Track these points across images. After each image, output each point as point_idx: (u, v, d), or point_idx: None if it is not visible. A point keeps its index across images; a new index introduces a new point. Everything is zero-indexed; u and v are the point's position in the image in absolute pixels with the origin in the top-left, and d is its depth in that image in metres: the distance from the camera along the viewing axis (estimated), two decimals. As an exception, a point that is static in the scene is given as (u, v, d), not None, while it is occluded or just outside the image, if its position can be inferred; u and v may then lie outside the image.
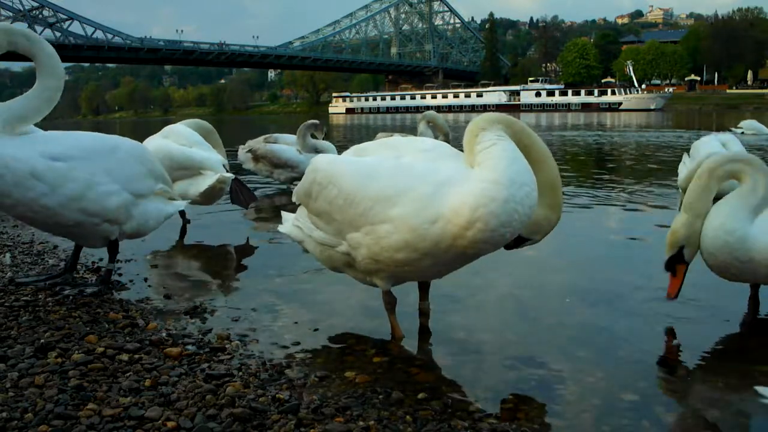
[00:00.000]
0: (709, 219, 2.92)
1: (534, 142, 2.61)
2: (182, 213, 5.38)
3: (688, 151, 6.63)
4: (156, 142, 5.02)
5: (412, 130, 7.46)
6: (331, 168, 2.68)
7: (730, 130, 17.00)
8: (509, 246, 2.75)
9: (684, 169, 6.57)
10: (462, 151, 2.71)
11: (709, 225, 2.90)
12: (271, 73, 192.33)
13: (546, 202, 2.65)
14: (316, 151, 7.52)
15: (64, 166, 3.07)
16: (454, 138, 7.25)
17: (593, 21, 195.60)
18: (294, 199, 3.01)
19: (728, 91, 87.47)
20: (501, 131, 2.50)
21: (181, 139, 5.05)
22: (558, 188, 2.68)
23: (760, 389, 1.74)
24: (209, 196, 4.98)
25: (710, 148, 6.16)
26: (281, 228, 3.19)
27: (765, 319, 3.13)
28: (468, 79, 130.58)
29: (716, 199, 2.99)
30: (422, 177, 2.46)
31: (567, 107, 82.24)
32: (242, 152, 7.85)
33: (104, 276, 3.54)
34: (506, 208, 2.34)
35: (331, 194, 2.63)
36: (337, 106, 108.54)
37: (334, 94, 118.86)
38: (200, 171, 4.90)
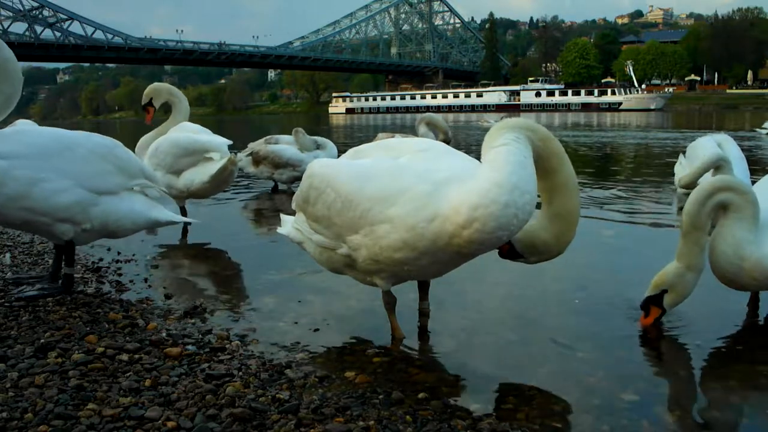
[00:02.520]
0: (719, 247, 2.85)
1: (563, 167, 2.49)
2: (183, 212, 5.39)
3: (684, 151, 6.66)
4: (164, 136, 5.32)
5: (412, 130, 7.47)
6: (327, 171, 2.67)
7: (755, 131, 17.00)
8: (502, 255, 2.73)
9: (680, 169, 6.59)
10: (460, 150, 2.72)
11: (722, 255, 2.83)
12: (271, 73, 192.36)
13: (554, 231, 2.56)
14: (317, 145, 7.69)
15: (5, 164, 2.98)
16: (453, 138, 7.23)
17: (593, 21, 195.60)
18: (293, 206, 3.01)
19: (728, 91, 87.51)
20: (524, 136, 2.40)
21: (189, 131, 5.32)
22: (572, 223, 2.55)
23: None
24: (218, 180, 5.01)
25: (707, 150, 6.19)
26: (280, 230, 3.19)
27: (765, 320, 3.13)
28: (468, 79, 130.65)
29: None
30: (420, 176, 2.45)
31: (567, 107, 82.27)
32: (242, 156, 7.86)
33: (64, 281, 3.36)
34: (506, 212, 2.29)
35: (329, 198, 2.62)
36: (337, 106, 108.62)
37: (334, 94, 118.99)
38: (205, 155, 5.06)
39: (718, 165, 5.23)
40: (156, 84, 5.82)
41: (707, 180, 2.93)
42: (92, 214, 3.23)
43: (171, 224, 3.71)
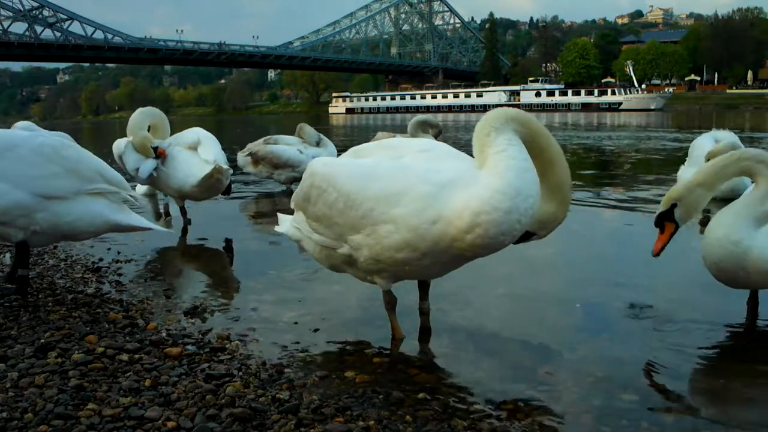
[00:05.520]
0: (712, 229, 2.88)
1: (549, 144, 2.57)
2: (183, 213, 5.39)
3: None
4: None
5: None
6: (329, 171, 2.66)
7: None
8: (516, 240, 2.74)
9: (684, 171, 6.63)
10: (461, 150, 2.71)
11: (713, 235, 2.86)
12: (271, 73, 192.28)
13: (557, 199, 2.62)
14: (318, 141, 7.67)
15: None
16: (452, 139, 7.26)
17: (593, 21, 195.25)
18: (292, 205, 3.00)
19: (728, 91, 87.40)
20: (513, 133, 2.44)
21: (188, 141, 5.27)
22: (568, 188, 2.64)
23: None
24: (206, 185, 4.99)
25: (704, 150, 6.27)
26: (278, 228, 3.18)
27: (765, 320, 3.13)
28: (468, 79, 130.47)
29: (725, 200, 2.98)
30: (423, 177, 2.45)
31: (567, 107, 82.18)
32: (241, 156, 7.87)
33: (19, 284, 3.28)
34: (509, 218, 2.32)
35: (331, 198, 2.61)
36: (337, 106, 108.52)
37: (334, 94, 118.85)
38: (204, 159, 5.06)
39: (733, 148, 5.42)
40: (134, 122, 5.23)
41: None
42: (38, 218, 3.08)
43: (136, 230, 3.45)
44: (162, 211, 6.19)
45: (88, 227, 3.25)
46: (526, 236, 2.71)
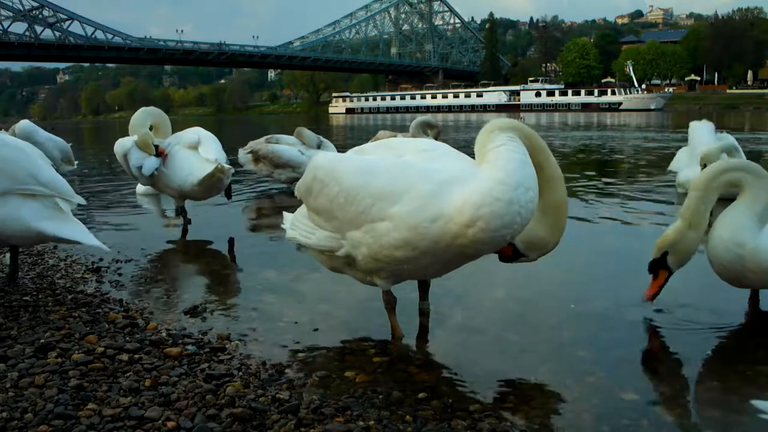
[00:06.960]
0: (717, 232, 2.88)
1: (549, 162, 2.57)
2: (184, 213, 5.39)
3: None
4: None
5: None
6: (331, 165, 2.67)
7: None
8: (504, 259, 2.75)
9: (683, 157, 6.69)
10: (461, 150, 2.72)
11: (719, 238, 2.86)
12: (271, 73, 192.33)
13: (549, 222, 2.62)
14: (319, 144, 7.71)
15: None
16: (452, 140, 7.29)
17: (593, 21, 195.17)
18: (296, 194, 2.99)
19: (728, 91, 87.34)
20: (514, 134, 2.47)
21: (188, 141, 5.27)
22: (563, 213, 2.64)
23: (757, 403, 1.69)
24: (207, 185, 4.99)
25: (704, 135, 6.33)
26: (284, 226, 3.18)
27: (765, 320, 3.13)
28: (468, 79, 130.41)
29: (724, 199, 2.98)
30: (423, 175, 2.46)
31: (567, 107, 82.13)
32: (243, 153, 7.88)
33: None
34: (510, 209, 2.33)
35: (332, 192, 2.62)
36: (337, 106, 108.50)
37: (334, 94, 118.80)
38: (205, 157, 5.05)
39: (730, 150, 5.47)
40: (136, 121, 5.24)
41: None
42: None
43: (68, 242, 3.35)
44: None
45: (18, 231, 3.17)
46: (516, 255, 2.73)
